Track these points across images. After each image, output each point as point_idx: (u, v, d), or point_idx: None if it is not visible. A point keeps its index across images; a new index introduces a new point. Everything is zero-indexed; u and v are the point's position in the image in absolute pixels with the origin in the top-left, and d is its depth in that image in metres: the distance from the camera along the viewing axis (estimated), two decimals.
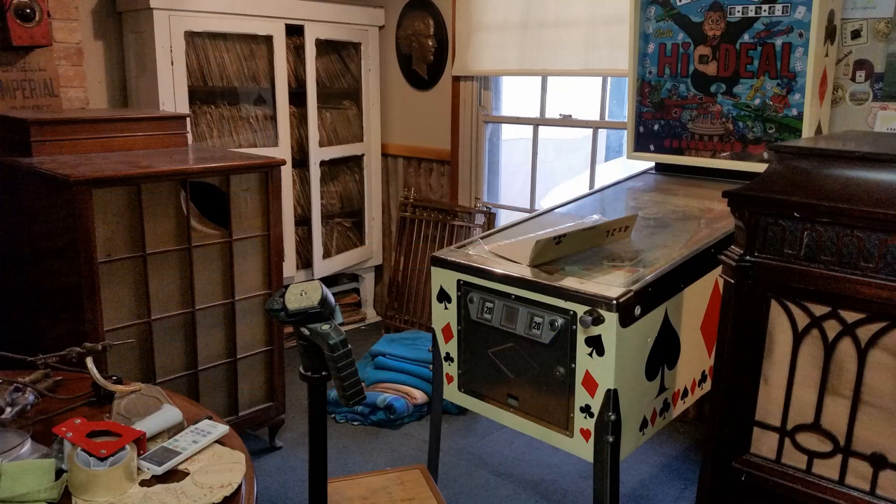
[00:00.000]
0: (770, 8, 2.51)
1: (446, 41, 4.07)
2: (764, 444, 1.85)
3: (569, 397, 2.02)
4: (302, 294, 1.45)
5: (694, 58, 2.74)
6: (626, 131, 3.02)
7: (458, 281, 2.25)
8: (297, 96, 4.00)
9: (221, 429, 1.57)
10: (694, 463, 3.04)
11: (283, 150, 3.89)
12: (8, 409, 1.60)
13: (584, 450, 2.03)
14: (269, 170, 2.84)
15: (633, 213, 2.53)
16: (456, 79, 4.05)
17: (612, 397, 1.93)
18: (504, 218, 4.10)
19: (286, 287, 1.47)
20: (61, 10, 3.32)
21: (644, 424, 2.11)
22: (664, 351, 2.13)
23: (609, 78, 3.56)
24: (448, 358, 2.35)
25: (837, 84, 2.69)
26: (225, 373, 2.87)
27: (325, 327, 1.41)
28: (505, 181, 4.32)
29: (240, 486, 1.40)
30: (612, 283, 1.98)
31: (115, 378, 1.74)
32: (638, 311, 1.95)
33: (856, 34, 2.63)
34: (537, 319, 2.04)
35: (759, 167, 2.41)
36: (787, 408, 1.79)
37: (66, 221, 2.39)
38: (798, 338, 1.75)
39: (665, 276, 2.05)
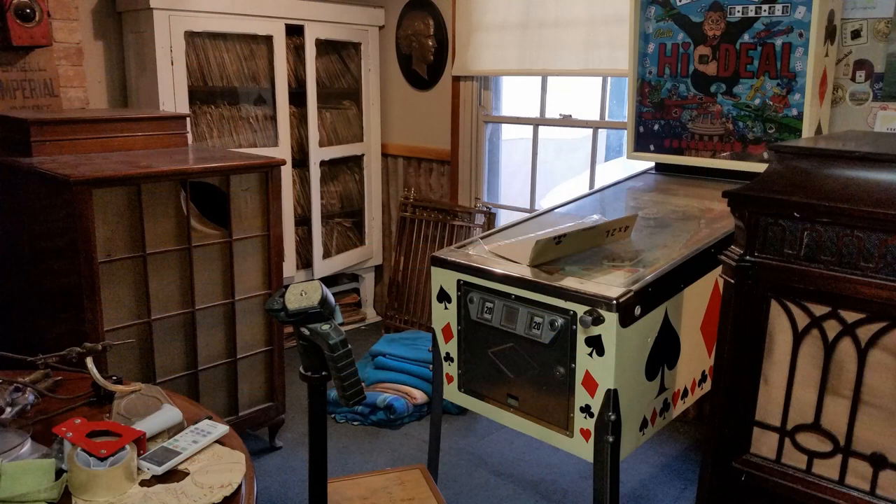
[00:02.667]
0: (770, 8, 2.51)
1: (446, 41, 4.07)
2: (764, 444, 1.85)
3: (569, 397, 2.02)
4: (302, 294, 1.45)
5: (694, 58, 2.74)
6: (626, 131, 3.02)
7: (458, 281, 2.25)
8: (297, 96, 4.00)
9: (221, 429, 1.57)
10: (694, 463, 3.04)
11: (283, 150, 3.89)
12: (8, 409, 1.60)
13: (584, 450, 2.03)
14: (269, 170, 2.84)
15: (633, 213, 2.53)
16: (456, 79, 4.05)
17: (612, 397, 1.93)
18: (504, 218, 4.10)
19: (286, 287, 1.47)
20: (61, 10, 3.32)
21: (644, 424, 2.11)
22: (664, 351, 2.13)
23: (609, 78, 3.56)
24: (448, 358, 2.35)
25: (837, 84, 2.69)
26: (225, 373, 2.87)
27: (325, 327, 1.41)
28: (505, 181, 4.32)
29: (240, 486, 1.40)
30: (612, 283, 1.98)
31: (115, 378, 1.74)
32: (638, 311, 1.95)
33: (856, 34, 2.62)
34: (537, 319, 2.04)
35: (759, 167, 2.41)
36: (787, 408, 1.80)
37: (66, 221, 2.39)
38: (798, 338, 1.75)
39: (665, 276, 2.05)
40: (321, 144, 4.15)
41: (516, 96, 4.15)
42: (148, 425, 1.52)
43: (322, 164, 4.19)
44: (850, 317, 1.66)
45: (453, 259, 2.27)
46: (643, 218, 2.51)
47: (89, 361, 1.70)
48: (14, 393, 1.66)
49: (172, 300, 2.65)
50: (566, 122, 3.78)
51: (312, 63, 3.99)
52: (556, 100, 3.85)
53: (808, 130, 2.53)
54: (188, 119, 3.28)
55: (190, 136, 3.39)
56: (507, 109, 4.14)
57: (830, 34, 2.55)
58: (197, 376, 2.77)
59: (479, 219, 4.09)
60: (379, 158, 4.51)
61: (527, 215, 2.74)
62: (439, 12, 4.07)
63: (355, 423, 3.37)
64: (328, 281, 4.44)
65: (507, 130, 4.24)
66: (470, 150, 4.12)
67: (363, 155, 4.43)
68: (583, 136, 4.19)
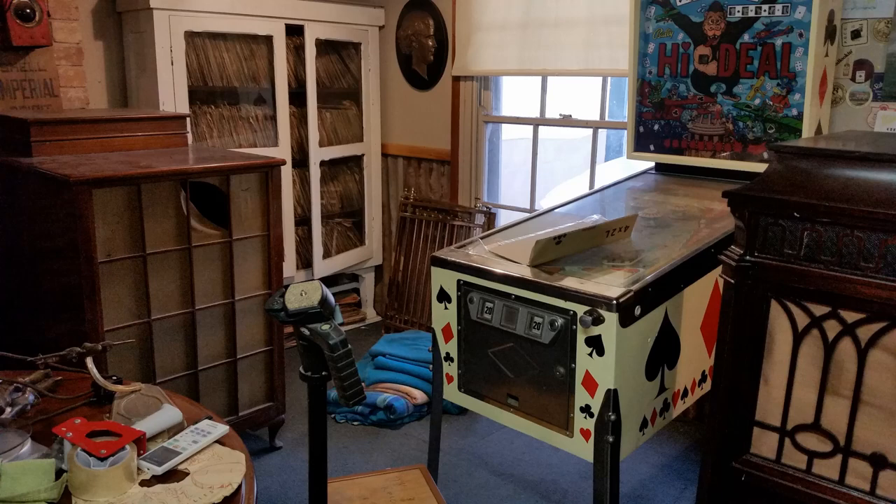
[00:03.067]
0: (770, 8, 2.51)
1: (446, 41, 4.07)
2: (764, 444, 1.85)
3: (569, 397, 2.02)
4: (302, 294, 1.44)
5: (694, 58, 2.74)
6: (626, 131, 3.02)
7: (458, 281, 2.25)
8: (297, 96, 4.00)
9: (221, 429, 1.57)
10: (694, 463, 3.04)
11: (283, 150, 3.89)
12: (8, 409, 1.59)
13: (584, 450, 2.03)
14: (269, 170, 2.84)
15: (633, 213, 2.53)
16: (456, 79, 4.05)
17: (612, 397, 1.93)
18: (504, 218, 4.10)
19: (286, 287, 1.47)
20: (61, 10, 3.32)
21: (644, 424, 2.11)
22: (664, 351, 2.13)
23: (609, 78, 3.56)
24: (448, 358, 2.35)
25: (837, 84, 2.69)
26: (225, 373, 2.87)
27: (325, 327, 1.41)
28: (505, 181, 4.32)
29: (240, 486, 1.40)
30: (612, 283, 1.98)
31: (115, 378, 1.74)
32: (638, 311, 1.95)
33: (856, 34, 2.62)
34: (537, 319, 2.04)
35: (759, 167, 2.41)
36: (787, 408, 1.80)
37: (66, 221, 2.39)
38: (798, 338, 1.75)
39: (665, 276, 2.05)
40: (321, 144, 4.15)
41: (516, 96, 4.15)
42: (148, 425, 1.52)
43: (322, 164, 4.19)
44: (850, 317, 1.66)
45: (453, 259, 2.27)
46: (643, 218, 2.51)
47: (89, 361, 1.70)
48: (14, 393, 1.66)
49: (172, 300, 2.65)
50: (566, 122, 3.78)
51: (312, 63, 3.99)
52: (556, 100, 3.85)
53: (808, 130, 2.53)
54: (188, 119, 3.28)
55: (190, 136, 3.39)
56: (507, 109, 4.14)
57: (830, 34, 2.55)
58: (197, 376, 2.77)
59: (479, 219, 4.09)
60: (379, 158, 4.51)
61: (527, 215, 2.74)
62: (439, 12, 4.07)
63: (355, 423, 3.37)
64: (328, 281, 4.44)
65: (507, 130, 4.24)
66: (470, 150, 4.12)
67: (363, 155, 4.43)
68: (583, 136, 4.19)
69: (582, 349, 1.96)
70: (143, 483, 1.40)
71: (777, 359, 1.79)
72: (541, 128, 3.89)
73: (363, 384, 2.68)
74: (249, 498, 1.39)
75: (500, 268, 2.16)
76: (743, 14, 2.58)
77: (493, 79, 4.04)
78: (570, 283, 2.00)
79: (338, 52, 4.27)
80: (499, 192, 4.26)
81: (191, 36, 3.54)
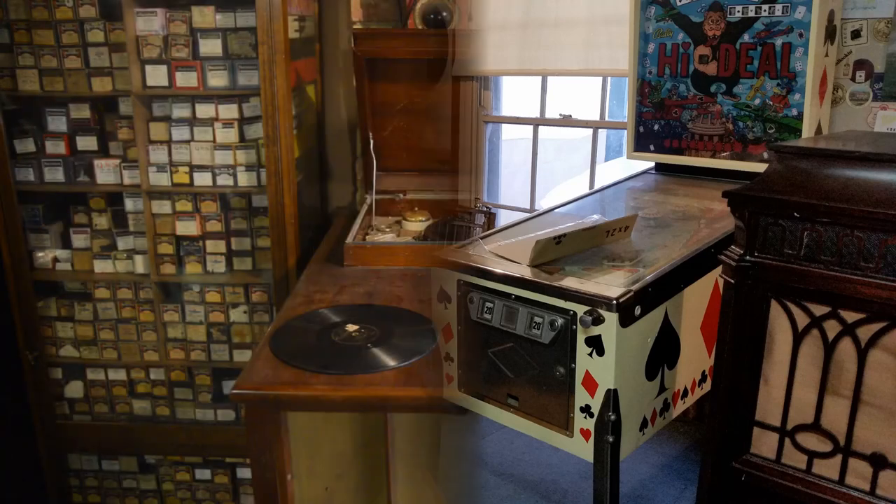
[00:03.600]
0: (770, 8, 2.51)
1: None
2: (764, 444, 1.85)
3: (569, 397, 2.02)
4: None
5: (694, 58, 2.74)
6: (626, 131, 3.02)
7: (458, 281, 2.25)
8: None
9: None
10: (694, 463, 3.04)
11: None
12: None
13: (584, 450, 2.02)
14: None
15: (633, 213, 2.53)
16: (456, 79, 4.04)
17: (612, 397, 1.93)
18: (504, 218, 4.09)
19: None
20: None
21: (644, 424, 2.11)
22: (664, 351, 2.13)
23: (609, 78, 3.56)
24: (448, 358, 2.35)
25: (837, 84, 2.69)
26: None
27: None
28: (505, 181, 4.31)
29: None
30: (612, 283, 1.98)
31: None
32: (638, 311, 1.95)
33: (856, 34, 2.62)
34: (537, 319, 2.04)
35: (759, 167, 2.41)
36: (787, 408, 1.80)
37: None
38: (798, 338, 1.75)
39: (665, 276, 2.05)
40: None
41: (516, 96, 4.15)
42: None
43: None
44: (850, 317, 1.66)
45: (453, 259, 2.27)
46: (643, 218, 2.51)
47: None
48: None
49: None
50: (566, 122, 3.78)
51: None
52: (556, 100, 3.85)
53: (808, 130, 2.52)
54: None
55: None
56: (507, 109, 4.14)
57: (830, 34, 2.55)
58: None
59: (479, 219, 4.08)
60: None
61: (527, 215, 2.74)
62: None
63: None
64: None
65: (507, 130, 4.24)
66: (470, 150, 4.12)
67: None
68: (583, 136, 4.19)
69: (582, 349, 1.96)
70: None
71: (777, 359, 1.79)
72: (541, 128, 3.89)
73: None
74: None
75: (500, 268, 2.16)
76: (743, 14, 2.58)
77: (493, 79, 4.03)
78: (570, 283, 2.00)
79: None
80: (499, 192, 4.26)
81: None
